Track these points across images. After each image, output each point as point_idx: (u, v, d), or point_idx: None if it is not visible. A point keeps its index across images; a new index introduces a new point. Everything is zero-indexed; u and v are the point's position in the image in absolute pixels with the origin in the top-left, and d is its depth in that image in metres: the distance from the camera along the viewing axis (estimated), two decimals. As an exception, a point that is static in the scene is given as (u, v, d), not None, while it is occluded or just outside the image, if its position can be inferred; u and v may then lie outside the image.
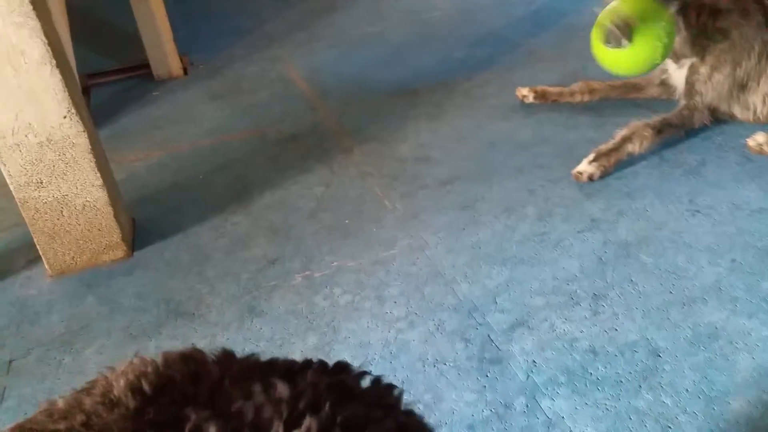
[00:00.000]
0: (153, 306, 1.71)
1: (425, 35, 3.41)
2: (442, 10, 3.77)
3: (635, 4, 1.88)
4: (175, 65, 3.18)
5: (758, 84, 2.09)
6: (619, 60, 1.89)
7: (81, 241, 1.87)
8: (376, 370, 1.41)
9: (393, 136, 2.40)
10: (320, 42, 3.50)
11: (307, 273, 1.75)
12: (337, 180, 2.17)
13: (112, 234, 1.88)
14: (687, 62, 2.12)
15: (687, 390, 1.30)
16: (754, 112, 2.13)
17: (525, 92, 2.47)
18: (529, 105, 2.47)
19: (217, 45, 3.61)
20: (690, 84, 2.10)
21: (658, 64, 1.91)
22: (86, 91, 3.09)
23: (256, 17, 4.04)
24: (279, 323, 1.60)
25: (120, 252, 1.91)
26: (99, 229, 1.87)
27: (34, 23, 1.61)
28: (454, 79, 2.81)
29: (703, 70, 2.06)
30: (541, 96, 2.45)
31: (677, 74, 2.17)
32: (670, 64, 2.21)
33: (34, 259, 1.90)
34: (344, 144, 2.40)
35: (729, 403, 1.27)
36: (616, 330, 1.45)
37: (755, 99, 2.11)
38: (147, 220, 2.07)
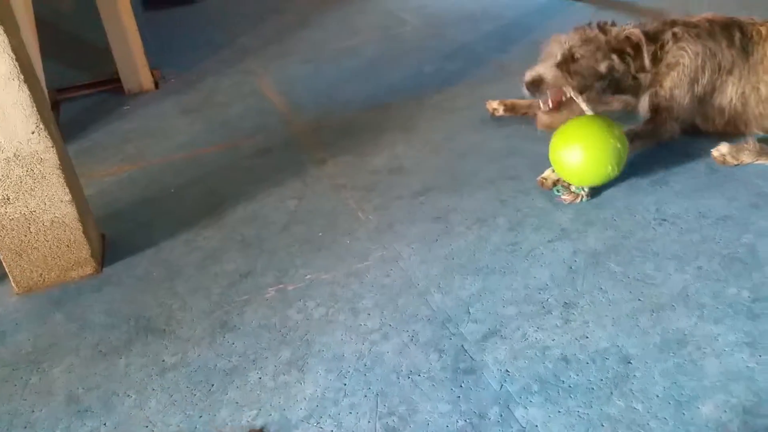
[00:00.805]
0: (123, 323, 1.68)
1: (397, 50, 3.45)
2: (413, 26, 3.82)
3: (582, 126, 1.93)
4: (146, 79, 3.17)
5: (713, 97, 2.14)
6: (577, 177, 1.93)
7: (49, 258, 1.83)
8: (350, 383, 1.41)
9: (366, 149, 2.41)
10: (294, 56, 3.52)
11: (280, 286, 1.74)
12: (311, 192, 2.17)
13: (81, 250, 1.85)
14: (647, 93, 2.15)
15: (657, 396, 1.32)
16: (713, 122, 2.19)
17: (495, 105, 2.51)
18: (500, 117, 2.51)
19: (190, 59, 3.60)
20: (654, 105, 2.14)
21: (622, 164, 1.92)
22: (55, 105, 3.05)
23: (229, 32, 4.04)
24: (251, 338, 1.58)
25: (89, 268, 1.88)
26: (68, 246, 1.83)
27: (2, 38, 1.59)
28: (425, 93, 2.84)
29: (663, 92, 2.11)
30: (510, 109, 2.50)
31: (641, 104, 2.19)
32: (630, 100, 2.22)
33: (0, 277, 1.86)
34: (318, 157, 2.40)
35: (698, 407, 1.29)
36: (587, 338, 1.47)
37: (713, 111, 2.17)
38: (117, 235, 2.05)
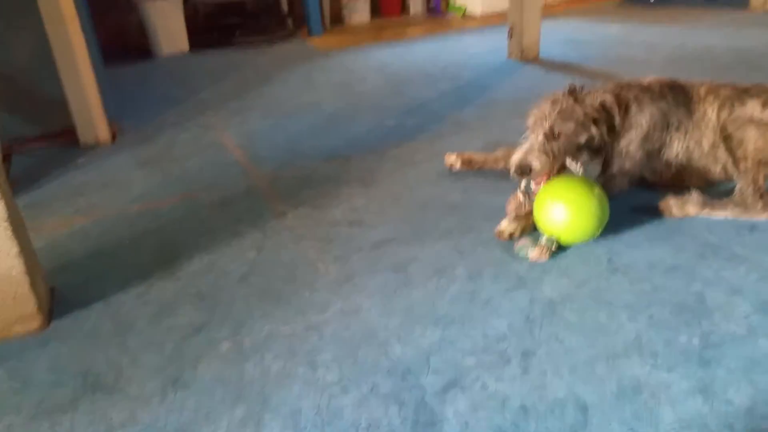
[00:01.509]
0: (69, 379, 1.60)
1: (357, 105, 3.52)
2: (374, 84, 3.92)
3: (561, 186, 1.99)
4: (102, 131, 3.14)
5: (661, 152, 2.25)
6: (563, 235, 1.97)
7: (-8, 313, 1.75)
8: (307, 439, 1.37)
9: (326, 201, 2.42)
10: (255, 111, 3.55)
11: (237, 339, 1.70)
12: (271, 244, 2.15)
13: (28, 304, 1.78)
14: (605, 151, 2.22)
15: (615, 445, 1.33)
16: (661, 176, 2.29)
17: (453, 159, 2.58)
18: (457, 171, 2.57)
19: (149, 113, 3.59)
20: (608, 161, 2.23)
21: (604, 218, 1.98)
22: (6, 157, 2.99)
23: (189, 86, 4.07)
24: (205, 394, 1.53)
25: (35, 323, 1.80)
26: (13, 299, 1.76)
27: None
28: (385, 147, 2.90)
29: (618, 149, 2.20)
30: (467, 163, 2.56)
31: (595, 161, 2.25)
32: (586, 158, 2.24)
33: (-63, 333, 1.77)
34: (278, 208, 2.39)
35: (655, 456, 1.30)
36: (545, 387, 1.47)
37: (661, 165, 2.27)
38: (67, 288, 1.98)
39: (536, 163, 2.04)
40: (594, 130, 2.11)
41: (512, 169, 2.07)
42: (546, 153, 2.04)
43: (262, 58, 4.73)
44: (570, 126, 2.07)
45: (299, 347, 1.66)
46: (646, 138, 2.20)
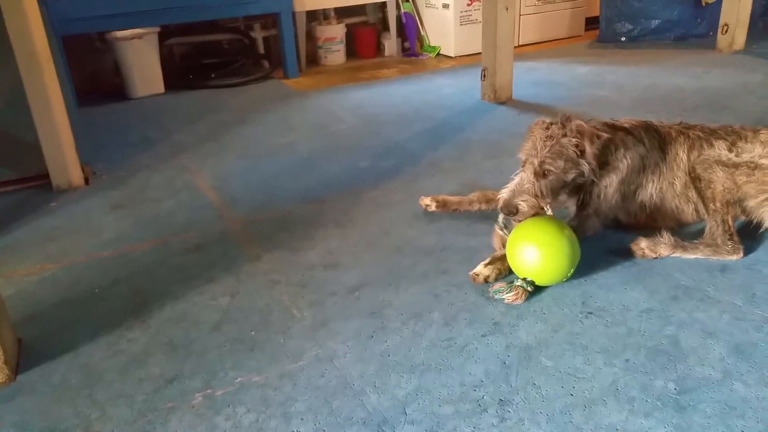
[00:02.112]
0: (33, 437, 1.54)
1: (333, 147, 3.54)
2: (350, 124, 3.95)
3: (532, 228, 2.00)
4: (75, 175, 3.10)
5: (636, 195, 2.30)
6: (536, 276, 1.97)
7: (-47, 367, 1.69)
8: (281, 496, 1.33)
9: (301, 244, 2.41)
10: (230, 152, 3.55)
11: (208, 392, 1.66)
12: (244, 289, 2.12)
13: (-8, 357, 1.72)
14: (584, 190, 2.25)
15: (594, 494, 1.31)
16: (635, 217, 2.33)
17: (428, 201, 2.60)
18: (432, 213, 2.58)
19: (123, 155, 3.57)
20: (584, 200, 2.25)
21: (576, 258, 1.99)
22: (-25, 201, 2.93)
23: (164, 128, 4.06)
24: (176, 449, 1.48)
25: (1, 377, 1.74)
26: (-24, 353, 1.70)
27: None
28: (360, 188, 2.90)
29: (597, 190, 2.23)
30: (442, 205, 2.58)
31: (571, 200, 2.28)
32: (564, 198, 2.26)
33: None
34: (252, 252, 2.37)
35: (634, 505, 1.28)
36: (523, 436, 1.46)
37: (635, 207, 2.31)
38: (35, 339, 1.92)
39: (523, 205, 2.06)
40: (585, 167, 2.12)
41: (499, 205, 2.10)
42: (534, 194, 2.07)
43: (238, 99, 4.76)
44: (560, 164, 2.09)
45: (273, 397, 1.63)
46: (623, 181, 2.24)
